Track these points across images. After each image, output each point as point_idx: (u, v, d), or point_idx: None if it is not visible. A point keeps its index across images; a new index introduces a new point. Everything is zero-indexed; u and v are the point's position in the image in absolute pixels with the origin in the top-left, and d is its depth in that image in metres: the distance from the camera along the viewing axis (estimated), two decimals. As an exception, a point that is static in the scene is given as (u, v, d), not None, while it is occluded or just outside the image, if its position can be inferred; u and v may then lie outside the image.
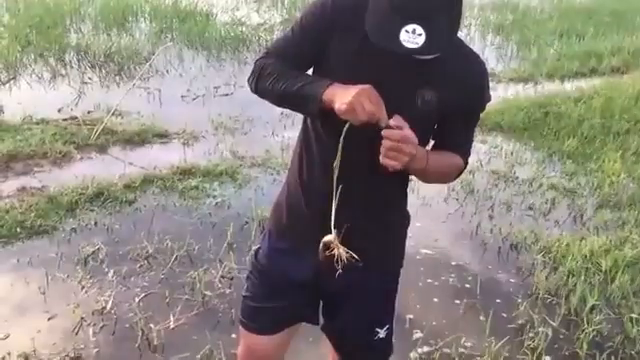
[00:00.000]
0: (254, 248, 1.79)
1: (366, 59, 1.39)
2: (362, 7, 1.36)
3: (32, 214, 3.39)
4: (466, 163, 1.61)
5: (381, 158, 1.36)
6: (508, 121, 5.49)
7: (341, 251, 1.40)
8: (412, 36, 1.23)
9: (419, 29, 1.23)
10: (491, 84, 5.59)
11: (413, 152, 1.34)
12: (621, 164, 4.66)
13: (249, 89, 1.55)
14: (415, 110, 1.42)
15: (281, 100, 1.50)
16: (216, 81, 6.13)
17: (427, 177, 1.56)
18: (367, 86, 1.32)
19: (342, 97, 1.32)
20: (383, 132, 1.33)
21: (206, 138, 4.80)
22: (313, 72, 1.53)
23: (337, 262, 1.40)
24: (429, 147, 1.54)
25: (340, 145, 1.40)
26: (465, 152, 1.60)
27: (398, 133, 1.33)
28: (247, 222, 3.54)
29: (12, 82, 5.68)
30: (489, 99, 1.54)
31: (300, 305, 1.70)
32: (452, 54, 1.38)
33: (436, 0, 1.26)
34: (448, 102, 1.44)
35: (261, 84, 1.51)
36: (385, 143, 1.34)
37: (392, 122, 1.33)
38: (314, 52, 1.49)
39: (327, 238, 1.42)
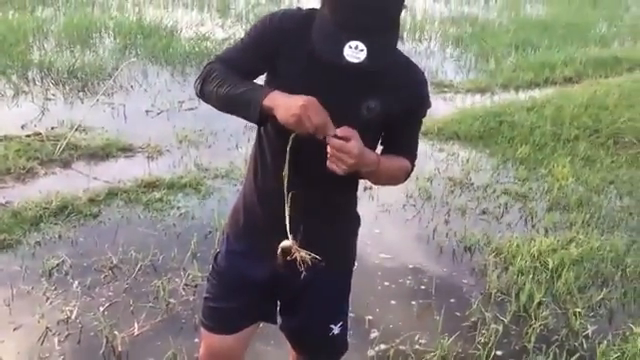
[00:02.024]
0: (214, 251, 1.88)
1: (313, 71, 1.48)
2: (307, 22, 1.47)
3: (-4, 229, 3.43)
4: (413, 165, 1.71)
5: (328, 163, 1.45)
6: (465, 130, 5.69)
7: (303, 254, 1.47)
8: (355, 51, 1.34)
9: (361, 45, 1.34)
10: (449, 95, 5.82)
11: (354, 161, 1.42)
12: (570, 169, 4.89)
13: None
14: (360, 118, 1.52)
15: (223, 104, 1.56)
16: (181, 96, 6.19)
17: (379, 179, 1.66)
18: (312, 98, 1.40)
19: (287, 108, 1.40)
20: (328, 141, 1.43)
21: (170, 151, 4.87)
22: (265, 83, 1.61)
23: (301, 265, 1.47)
24: (378, 151, 1.64)
25: (287, 155, 1.50)
26: (411, 155, 1.70)
27: (339, 143, 1.41)
28: (210, 232, 3.63)
29: (-26, 100, 5.67)
30: (430, 105, 1.65)
31: (258, 305, 1.79)
32: (393, 65, 1.48)
33: (376, 19, 1.36)
34: (392, 109, 1.55)
35: (206, 87, 1.58)
36: (329, 150, 1.43)
37: (339, 132, 1.42)
38: (260, 64, 1.59)
39: (285, 244, 1.49)
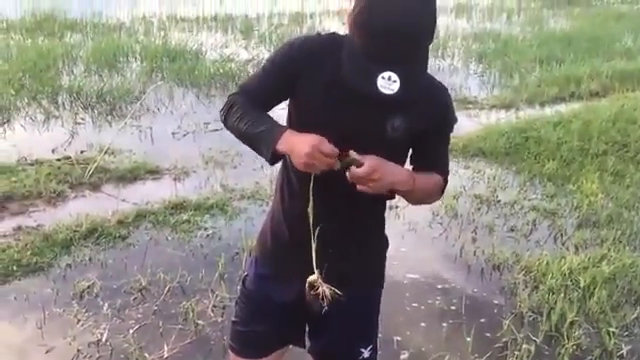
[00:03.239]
0: (242, 275, 1.88)
1: (335, 95, 1.49)
2: (329, 47, 1.50)
3: (28, 252, 3.49)
4: (446, 181, 1.69)
5: (357, 186, 1.46)
6: (490, 146, 5.66)
7: (325, 289, 1.49)
8: (388, 82, 1.34)
9: (394, 76, 1.34)
10: (473, 111, 5.78)
11: (379, 182, 1.43)
12: (599, 184, 4.81)
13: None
14: (386, 137, 1.52)
15: (242, 139, 1.60)
16: (206, 117, 6.28)
17: (415, 197, 1.64)
18: (317, 141, 1.41)
19: (297, 155, 1.43)
20: (348, 174, 1.44)
21: (197, 173, 4.92)
22: (288, 105, 1.62)
23: (322, 299, 1.49)
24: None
25: (310, 194, 1.51)
26: (443, 170, 1.68)
27: (357, 173, 1.42)
28: (237, 252, 3.65)
29: (6, 125, 5.82)
30: (456, 120, 1.65)
31: (286, 329, 1.78)
32: None
33: (409, 49, 1.36)
34: (417, 126, 1.54)
35: (228, 120, 1.62)
36: (352, 178, 1.44)
37: (359, 159, 1.42)
38: (281, 92, 1.61)
39: (311, 278, 1.51)
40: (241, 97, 1.63)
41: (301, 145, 1.43)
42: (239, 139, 1.62)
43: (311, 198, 1.52)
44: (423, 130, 1.57)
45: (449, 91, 1.66)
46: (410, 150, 1.64)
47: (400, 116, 1.52)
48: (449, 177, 1.70)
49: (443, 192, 1.71)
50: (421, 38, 1.38)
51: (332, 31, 1.58)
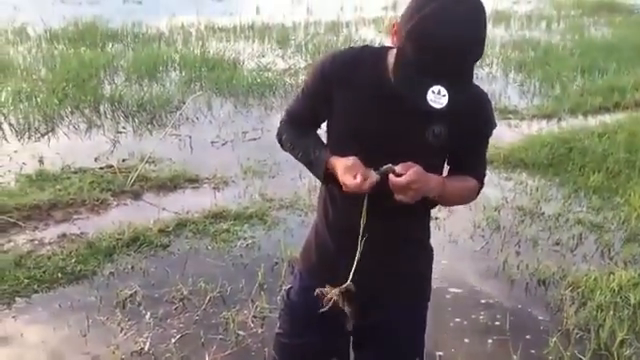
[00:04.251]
0: (286, 287, 1.89)
1: (375, 105, 1.54)
2: (366, 59, 1.55)
3: (72, 260, 3.55)
4: (482, 183, 1.72)
5: (395, 195, 1.48)
6: (532, 157, 5.54)
7: (334, 295, 1.54)
8: (438, 96, 1.37)
9: (443, 90, 1.36)
10: (514, 121, 5.68)
11: (416, 192, 1.46)
12: (648, 198, 4.67)
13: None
14: (426, 144, 1.54)
15: (299, 162, 1.74)
16: (244, 126, 6.32)
17: (446, 201, 1.67)
18: (350, 163, 1.49)
19: (341, 177, 1.50)
20: (389, 182, 1.46)
21: (236, 182, 4.95)
22: (327, 123, 1.67)
23: (341, 305, 1.55)
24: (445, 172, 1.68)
25: (364, 211, 1.54)
26: (479, 174, 1.71)
27: (398, 182, 1.45)
28: (277, 263, 3.64)
29: (50, 134, 5.95)
30: (495, 125, 1.66)
31: (331, 341, 1.78)
32: None
33: (460, 64, 1.38)
34: (457, 133, 1.55)
35: (284, 148, 1.79)
36: (393, 187, 1.47)
37: (398, 169, 1.46)
38: (322, 111, 1.65)
39: (318, 291, 1.57)
40: (287, 126, 1.76)
41: (342, 167, 1.51)
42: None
43: (363, 214, 1.54)
44: (463, 135, 1.57)
45: (488, 94, 1.66)
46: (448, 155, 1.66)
47: (440, 123, 1.54)
48: (490, 187, 1.72)
49: (478, 194, 1.75)
50: (474, 55, 1.40)
51: (365, 44, 1.68)
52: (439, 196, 1.56)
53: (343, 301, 1.55)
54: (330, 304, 1.54)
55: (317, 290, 1.56)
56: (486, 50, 10.39)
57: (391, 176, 1.46)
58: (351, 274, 1.54)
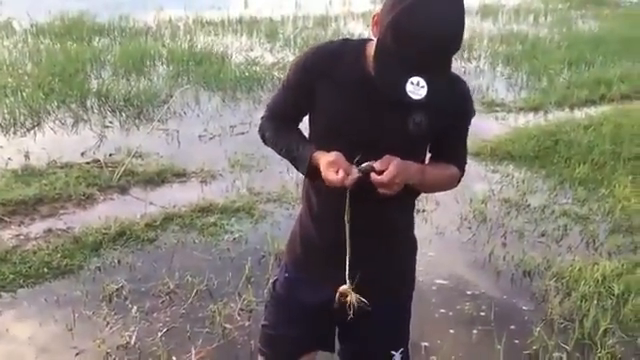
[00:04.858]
0: (272, 279, 1.90)
1: (356, 98, 1.55)
2: (345, 52, 1.57)
3: (58, 255, 3.53)
4: (463, 171, 1.74)
5: (378, 190, 1.50)
6: (519, 150, 5.57)
7: (353, 299, 1.54)
8: (416, 88, 1.38)
9: (422, 82, 1.38)
10: (501, 114, 5.72)
11: (398, 186, 1.49)
12: (632, 189, 4.71)
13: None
14: (408, 134, 1.55)
15: (283, 158, 1.74)
16: (232, 120, 6.31)
17: (427, 188, 1.71)
18: (332, 159, 1.49)
19: (324, 173, 1.51)
20: (372, 179, 1.48)
21: (223, 176, 4.94)
22: (310, 116, 1.68)
23: (349, 307, 1.54)
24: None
25: (347, 204, 1.55)
26: (460, 161, 1.73)
27: (381, 179, 1.47)
28: (264, 256, 3.65)
29: (36, 128, 5.91)
30: (474, 113, 1.69)
31: (316, 332, 1.79)
32: None
33: (439, 57, 1.40)
34: (437, 121, 1.56)
35: (267, 144, 1.78)
36: (375, 184, 1.49)
37: (377, 166, 1.48)
38: (303, 106, 1.66)
39: (342, 288, 1.56)
40: (269, 121, 1.76)
41: (324, 163, 1.51)
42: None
43: (347, 209, 1.56)
44: (443, 124, 1.59)
45: (467, 84, 1.67)
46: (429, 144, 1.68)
47: (421, 112, 1.55)
48: (477, 179, 1.74)
49: (459, 182, 1.77)
50: (453, 48, 1.42)
51: (346, 37, 1.68)
52: (419, 183, 1.59)
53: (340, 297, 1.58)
54: (343, 301, 1.57)
55: (340, 289, 1.57)
56: (474, 43, 10.51)
57: (373, 175, 1.47)
58: (347, 271, 1.56)
